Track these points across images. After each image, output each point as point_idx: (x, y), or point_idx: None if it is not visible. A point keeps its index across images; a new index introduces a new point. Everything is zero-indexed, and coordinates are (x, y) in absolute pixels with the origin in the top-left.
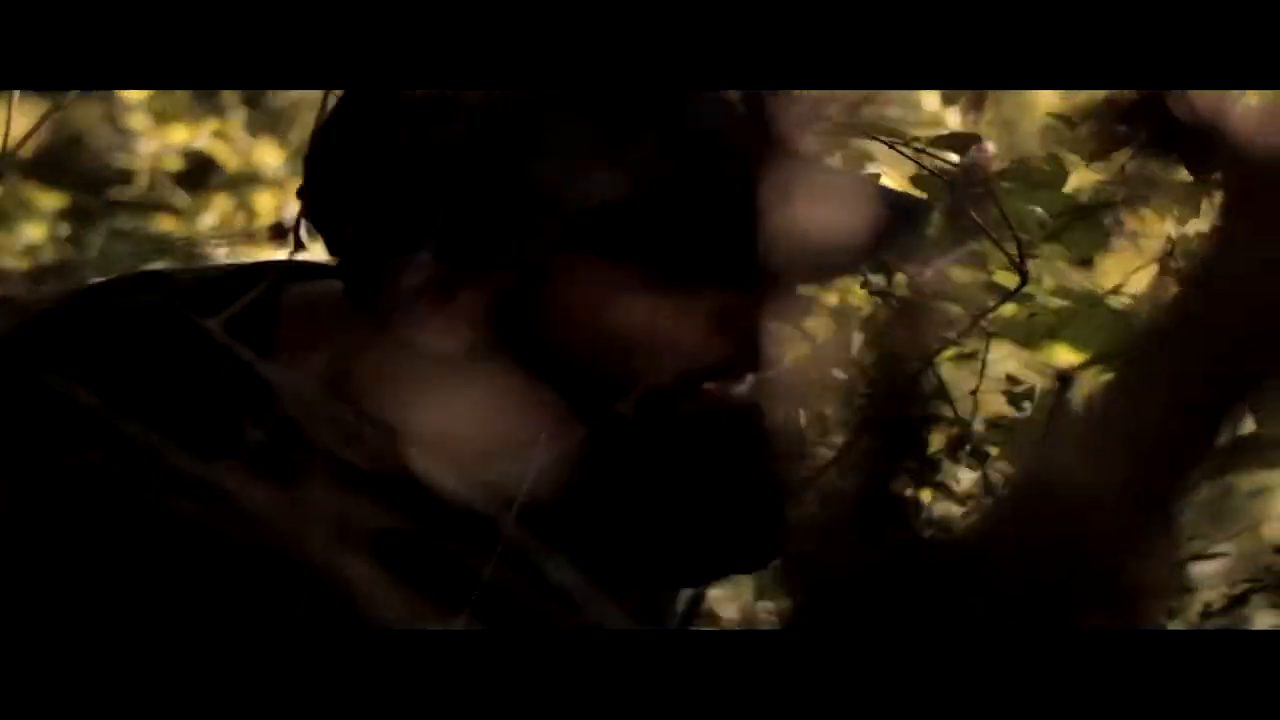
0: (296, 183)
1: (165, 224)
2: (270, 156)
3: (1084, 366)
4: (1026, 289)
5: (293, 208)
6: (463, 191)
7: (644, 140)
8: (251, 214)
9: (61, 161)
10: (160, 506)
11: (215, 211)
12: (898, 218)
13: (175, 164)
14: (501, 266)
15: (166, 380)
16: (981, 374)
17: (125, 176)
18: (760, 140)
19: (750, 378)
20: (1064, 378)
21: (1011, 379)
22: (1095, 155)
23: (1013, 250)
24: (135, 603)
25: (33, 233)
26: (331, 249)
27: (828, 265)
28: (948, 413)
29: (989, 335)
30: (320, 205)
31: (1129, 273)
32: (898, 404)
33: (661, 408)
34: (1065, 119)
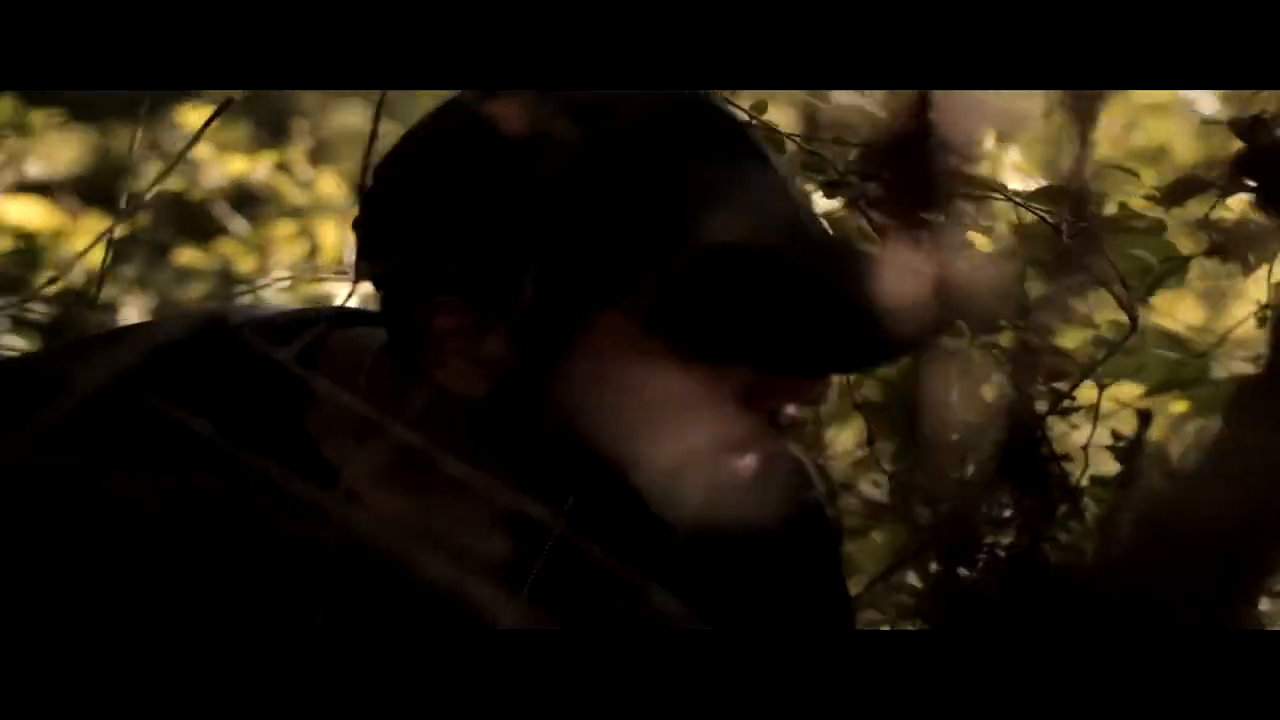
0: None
1: (227, 249)
2: (330, 186)
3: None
4: (1133, 340)
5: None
6: (504, 237)
7: (702, 220)
8: (313, 244)
9: (111, 188)
10: (274, 529)
11: (276, 241)
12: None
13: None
14: (535, 316)
15: (269, 411)
16: (1094, 427)
17: (184, 206)
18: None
19: (775, 455)
20: (1143, 414)
21: (1116, 434)
22: (1173, 200)
23: (1120, 296)
24: (246, 621)
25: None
26: (376, 285)
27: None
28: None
29: (1101, 387)
30: (370, 240)
31: (1238, 322)
32: (1021, 455)
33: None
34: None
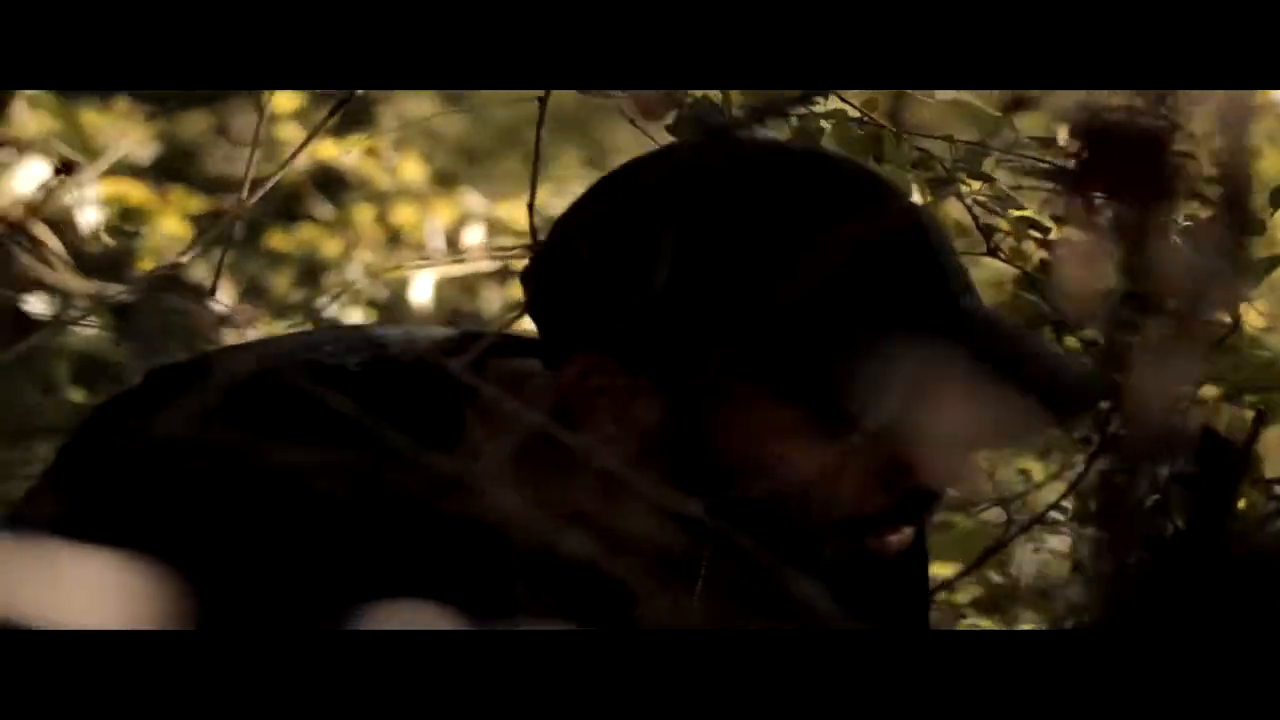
0: (436, 199)
1: (309, 233)
2: (413, 172)
3: None
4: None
5: (433, 221)
6: (669, 304)
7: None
8: (389, 227)
9: (196, 170)
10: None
11: (358, 225)
12: (1080, 391)
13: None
14: (682, 384)
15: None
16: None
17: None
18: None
19: (909, 531)
20: (1260, 413)
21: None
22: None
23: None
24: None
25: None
26: (541, 331)
27: (1005, 435)
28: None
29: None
30: (544, 293)
31: None
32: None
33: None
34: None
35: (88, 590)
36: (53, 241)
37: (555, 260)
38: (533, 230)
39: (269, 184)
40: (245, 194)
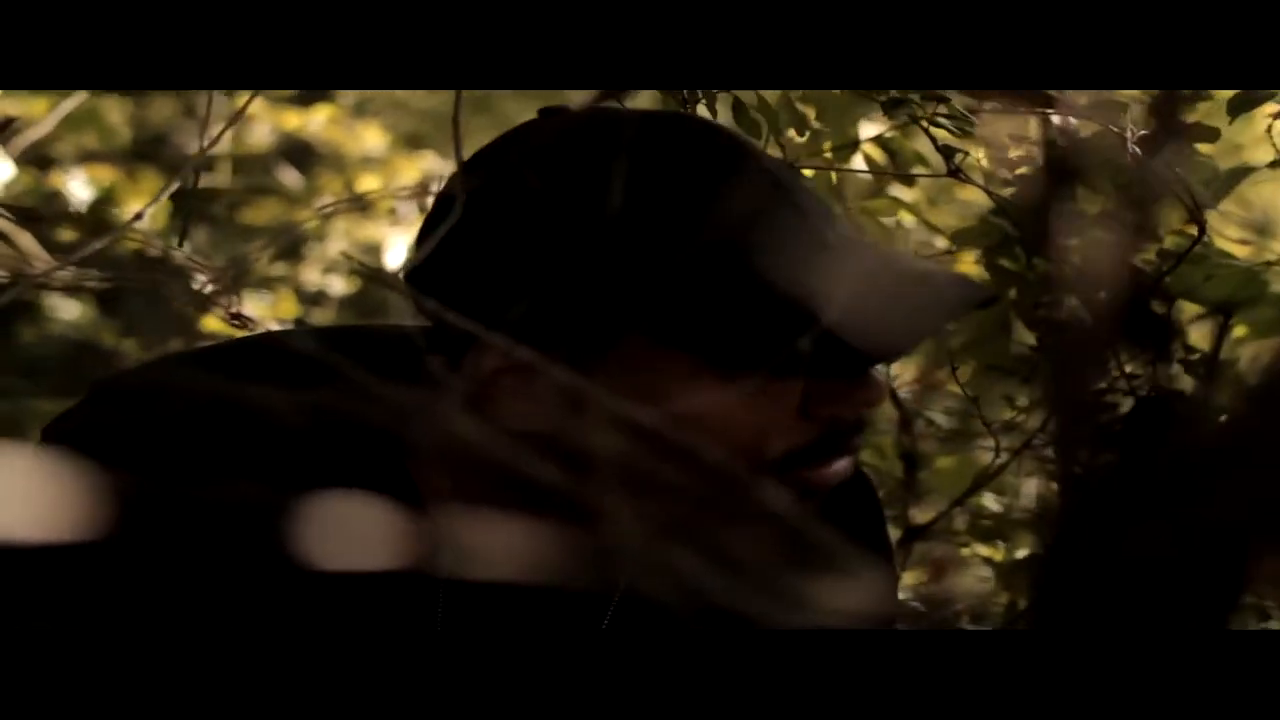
0: (400, 162)
1: (279, 208)
2: (376, 139)
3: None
4: (1200, 250)
5: (397, 184)
6: (548, 274)
7: (708, 231)
8: (354, 193)
9: (164, 150)
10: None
11: (324, 193)
12: (948, 292)
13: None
14: (572, 349)
15: None
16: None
17: (239, 162)
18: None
19: (844, 462)
20: (1226, 315)
21: (1188, 347)
22: (1237, 110)
23: (1187, 203)
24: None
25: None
26: (425, 316)
27: (895, 347)
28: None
29: (1169, 300)
30: (423, 273)
31: None
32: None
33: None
34: None
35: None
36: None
37: (447, 251)
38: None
39: (224, 130)
40: (202, 141)
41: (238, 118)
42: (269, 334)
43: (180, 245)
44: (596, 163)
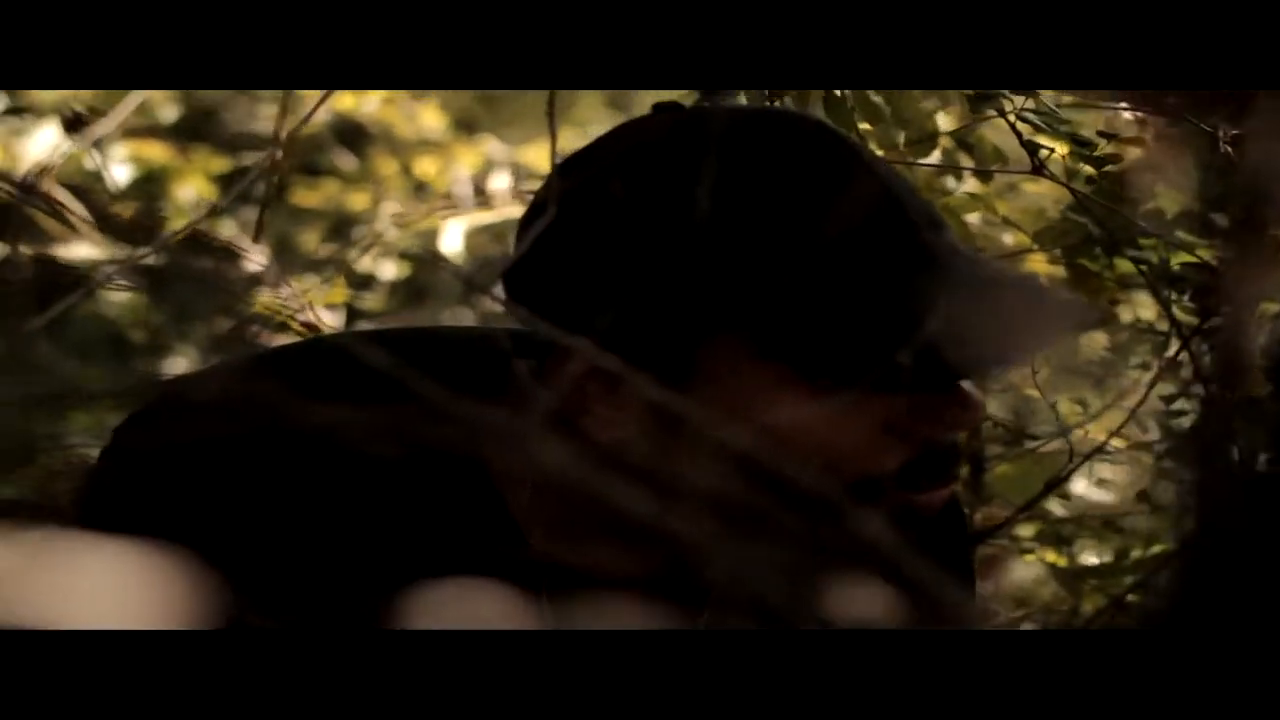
0: (459, 147)
1: (333, 188)
2: (433, 119)
3: None
4: None
5: (458, 171)
6: (640, 275)
7: (813, 241)
8: (412, 178)
9: (214, 129)
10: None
11: (382, 178)
12: (1058, 313)
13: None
14: (661, 354)
15: None
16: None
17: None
18: None
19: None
20: None
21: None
22: None
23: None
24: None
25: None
26: (517, 319)
27: (997, 363)
28: None
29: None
30: (517, 275)
31: None
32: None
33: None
34: None
35: (115, 581)
36: (75, 205)
37: (541, 254)
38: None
39: (286, 135)
40: (278, 149)
41: (309, 116)
42: (341, 337)
43: (256, 241)
44: (697, 162)
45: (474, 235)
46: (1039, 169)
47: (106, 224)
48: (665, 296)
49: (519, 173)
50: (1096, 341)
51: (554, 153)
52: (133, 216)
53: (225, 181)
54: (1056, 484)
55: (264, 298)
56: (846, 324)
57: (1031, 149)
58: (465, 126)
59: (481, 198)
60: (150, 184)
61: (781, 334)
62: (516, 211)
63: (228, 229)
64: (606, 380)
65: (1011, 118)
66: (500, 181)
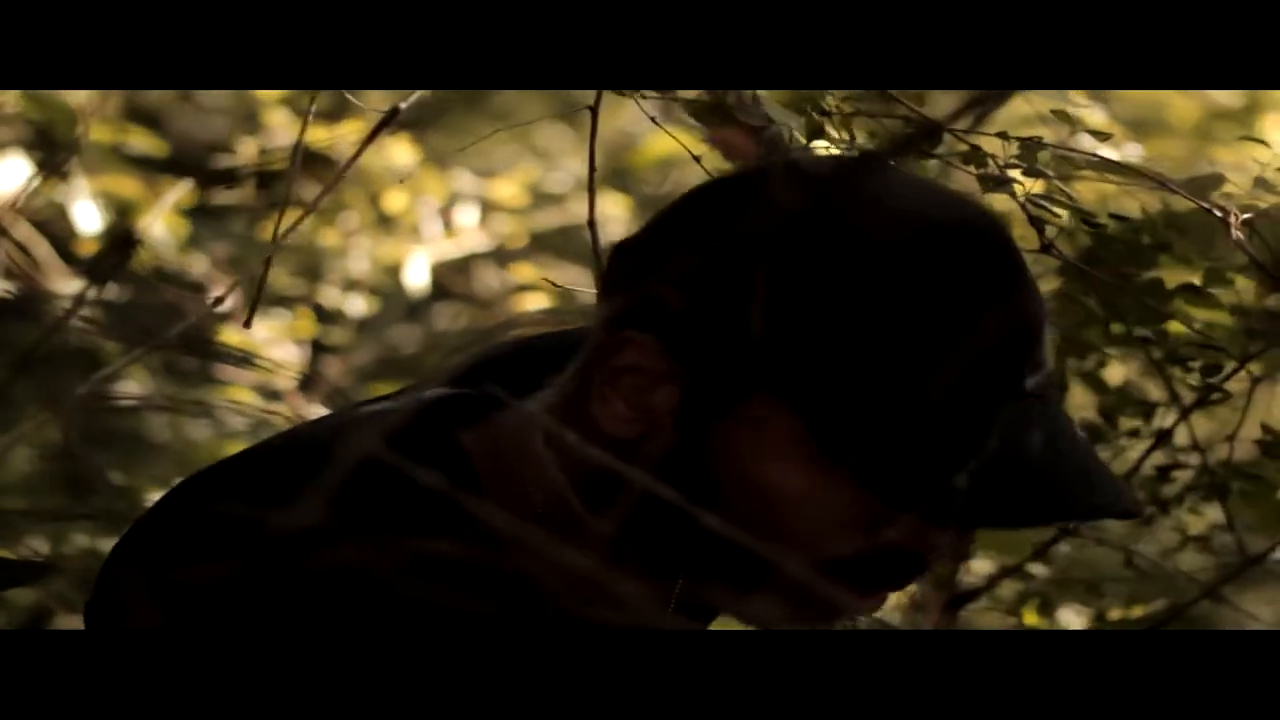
0: (432, 179)
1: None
2: (403, 155)
3: None
4: None
5: (425, 203)
6: (725, 299)
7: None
8: (378, 210)
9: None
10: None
11: (347, 211)
12: (1107, 496)
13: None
14: (711, 382)
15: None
16: (1243, 418)
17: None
18: None
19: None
20: None
21: (1267, 429)
22: None
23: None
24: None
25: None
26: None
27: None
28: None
29: (1254, 380)
30: (627, 273)
31: None
32: None
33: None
34: None
35: None
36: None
37: (648, 248)
38: (595, 244)
39: (316, 202)
40: (276, 233)
41: (297, 155)
42: (356, 431)
43: (248, 326)
44: (868, 261)
45: (440, 270)
46: (1047, 248)
47: (74, 261)
48: (740, 330)
49: (488, 207)
50: (1085, 403)
51: (591, 162)
52: (98, 251)
53: (195, 215)
54: (1045, 549)
55: (230, 334)
56: (924, 450)
57: (1038, 225)
58: (436, 159)
59: (449, 229)
60: (123, 218)
61: (847, 433)
62: (482, 245)
63: (199, 264)
64: (646, 382)
65: (1022, 198)
66: (468, 216)
